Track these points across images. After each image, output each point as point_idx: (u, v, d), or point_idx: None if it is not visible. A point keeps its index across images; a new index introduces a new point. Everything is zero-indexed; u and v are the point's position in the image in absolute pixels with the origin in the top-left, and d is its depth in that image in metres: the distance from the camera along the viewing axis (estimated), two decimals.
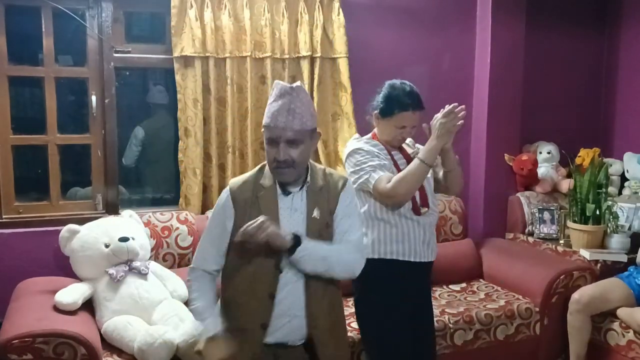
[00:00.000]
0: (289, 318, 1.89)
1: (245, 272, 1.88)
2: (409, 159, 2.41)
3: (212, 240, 1.95)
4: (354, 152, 2.38)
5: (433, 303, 2.61)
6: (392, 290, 2.34)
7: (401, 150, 2.46)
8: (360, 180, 2.32)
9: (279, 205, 1.90)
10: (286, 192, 1.91)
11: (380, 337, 2.38)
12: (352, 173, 2.35)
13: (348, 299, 3.13)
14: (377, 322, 2.38)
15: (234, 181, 1.97)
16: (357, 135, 2.54)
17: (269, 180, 1.91)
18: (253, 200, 1.89)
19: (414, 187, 2.28)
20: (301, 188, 1.92)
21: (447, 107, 2.24)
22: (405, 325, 2.36)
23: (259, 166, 1.99)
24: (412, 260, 2.37)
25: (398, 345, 2.35)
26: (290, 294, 1.88)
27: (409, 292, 2.38)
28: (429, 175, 2.39)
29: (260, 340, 1.88)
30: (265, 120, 1.88)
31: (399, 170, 2.33)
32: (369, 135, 2.47)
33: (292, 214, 1.90)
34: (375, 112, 2.40)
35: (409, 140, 2.50)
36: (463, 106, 2.23)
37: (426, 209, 2.40)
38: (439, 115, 2.25)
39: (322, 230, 1.92)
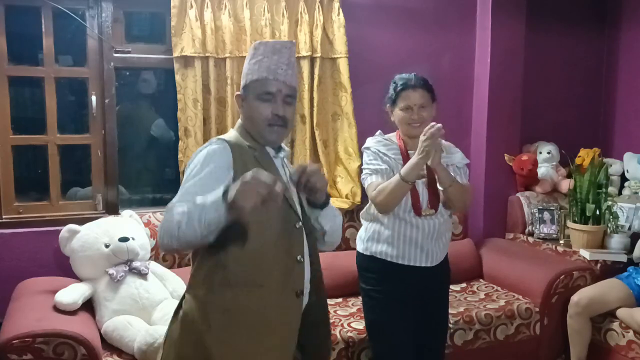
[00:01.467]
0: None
1: (265, 232, 1.64)
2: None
3: (206, 182, 1.59)
4: (364, 150, 2.45)
5: None
6: (388, 287, 2.36)
7: None
8: (363, 180, 2.42)
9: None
10: (275, 155, 1.80)
11: (377, 331, 2.41)
12: (362, 170, 2.44)
13: (348, 299, 3.14)
14: (375, 314, 2.41)
15: (230, 139, 1.72)
16: (379, 131, 2.51)
17: (256, 143, 1.75)
18: (251, 160, 1.69)
19: (391, 201, 2.28)
20: (280, 152, 1.81)
21: (429, 130, 2.17)
22: (402, 325, 2.36)
23: (236, 129, 1.80)
24: (400, 263, 2.36)
25: (394, 343, 2.35)
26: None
27: (405, 293, 2.36)
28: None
29: (299, 314, 1.71)
30: (258, 73, 1.74)
31: None
32: (393, 133, 2.47)
33: (282, 173, 1.78)
34: (387, 105, 2.41)
35: (445, 143, 2.39)
36: (440, 125, 2.16)
37: (433, 210, 2.35)
38: (421, 136, 2.20)
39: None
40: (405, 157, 2.36)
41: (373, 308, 2.41)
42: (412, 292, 2.37)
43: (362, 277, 2.46)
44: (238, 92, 1.82)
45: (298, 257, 1.71)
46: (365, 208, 2.48)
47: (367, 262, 2.43)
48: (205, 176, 1.61)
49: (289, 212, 1.71)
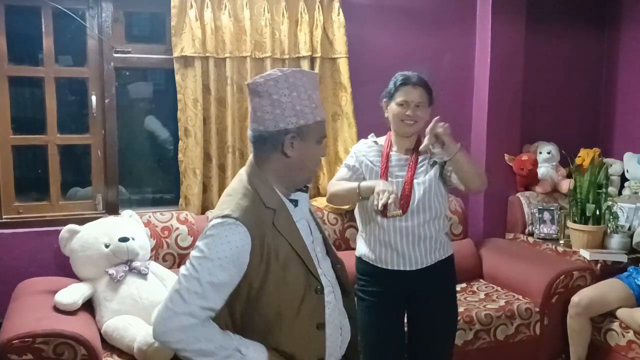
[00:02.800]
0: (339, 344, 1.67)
1: (283, 301, 1.54)
2: (413, 169, 2.32)
3: (225, 269, 1.46)
4: (354, 148, 2.47)
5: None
6: (373, 290, 2.33)
7: (415, 155, 2.35)
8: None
9: (295, 220, 1.62)
10: (295, 203, 1.64)
11: (363, 334, 2.30)
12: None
13: None
14: (363, 316, 2.31)
15: (242, 213, 1.50)
16: (372, 134, 2.49)
17: (275, 198, 1.58)
18: (271, 230, 1.54)
19: (337, 200, 2.37)
20: (304, 190, 1.69)
21: (380, 193, 2.09)
22: (387, 329, 2.33)
23: (245, 186, 1.58)
24: (379, 266, 2.33)
25: (378, 351, 2.32)
26: (332, 313, 1.64)
27: (390, 297, 2.32)
28: (421, 182, 2.31)
29: None
30: (320, 114, 1.59)
31: (383, 176, 2.31)
32: (384, 136, 2.44)
33: (305, 223, 1.67)
34: (384, 99, 2.38)
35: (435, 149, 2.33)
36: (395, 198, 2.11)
37: (399, 212, 2.24)
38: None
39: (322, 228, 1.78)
40: (385, 160, 2.34)
41: (361, 310, 2.33)
42: (397, 297, 2.33)
43: (356, 278, 2.42)
44: (292, 135, 1.54)
45: (317, 324, 1.59)
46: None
47: (356, 264, 2.44)
48: (225, 261, 1.46)
49: (308, 277, 1.58)
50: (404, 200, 2.28)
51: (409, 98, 2.29)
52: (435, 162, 2.34)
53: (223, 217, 1.49)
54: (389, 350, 2.34)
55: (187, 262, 1.51)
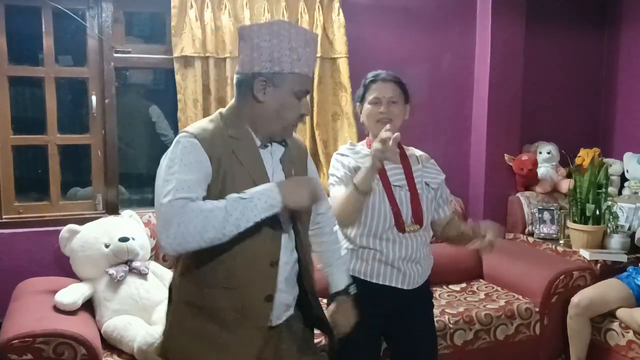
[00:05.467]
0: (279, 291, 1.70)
1: (242, 235, 1.55)
2: (409, 175, 2.20)
3: (192, 170, 1.53)
4: (334, 157, 2.26)
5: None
6: (359, 307, 2.04)
7: (403, 161, 2.22)
8: (329, 189, 2.22)
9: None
10: (264, 145, 1.67)
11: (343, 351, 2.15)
12: (329, 176, 2.25)
13: None
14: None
15: (199, 132, 1.58)
16: (351, 142, 2.38)
17: (242, 132, 1.63)
18: (228, 155, 1.59)
19: (348, 213, 2.05)
20: (284, 144, 1.72)
21: (383, 134, 1.94)
22: (366, 348, 2.19)
23: (216, 115, 1.67)
24: (371, 281, 2.17)
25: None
26: (286, 256, 1.69)
27: (375, 316, 2.13)
28: (424, 188, 2.22)
29: (267, 317, 1.67)
30: (299, 67, 1.60)
31: (384, 185, 2.15)
32: (363, 141, 2.30)
33: (274, 171, 1.69)
34: (357, 103, 2.26)
35: (420, 153, 2.31)
36: (394, 134, 1.93)
37: (417, 226, 2.16)
38: (374, 142, 2.01)
39: None
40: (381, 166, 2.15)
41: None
42: (382, 318, 2.18)
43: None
44: (262, 80, 1.59)
45: (271, 262, 1.64)
46: None
47: None
48: (190, 165, 1.53)
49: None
50: (417, 211, 2.17)
51: (380, 94, 2.15)
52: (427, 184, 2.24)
53: (181, 133, 1.61)
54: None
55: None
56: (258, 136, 1.66)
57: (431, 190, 2.25)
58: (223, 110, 1.70)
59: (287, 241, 1.71)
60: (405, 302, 2.20)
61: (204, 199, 1.54)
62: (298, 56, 1.59)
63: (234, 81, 1.68)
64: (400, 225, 2.14)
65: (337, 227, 2.05)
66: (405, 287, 2.18)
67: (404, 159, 2.22)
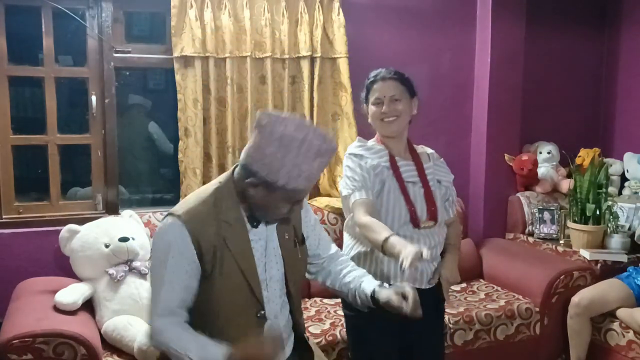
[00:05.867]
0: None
1: (225, 318, 1.63)
2: (421, 171, 2.18)
3: (179, 275, 1.56)
4: (347, 157, 2.20)
5: None
6: (374, 316, 2.03)
7: (415, 158, 2.22)
8: (344, 193, 2.17)
9: (250, 239, 1.67)
10: (255, 224, 1.68)
11: (355, 347, 2.24)
12: (344, 177, 2.19)
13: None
14: (355, 331, 2.23)
15: (189, 217, 1.57)
16: (360, 138, 2.30)
17: (234, 214, 1.62)
18: (219, 242, 1.59)
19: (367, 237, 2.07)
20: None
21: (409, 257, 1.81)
22: (381, 345, 2.15)
23: (209, 197, 1.63)
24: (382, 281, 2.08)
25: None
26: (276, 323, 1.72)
27: (395, 322, 2.00)
28: (436, 184, 2.21)
29: None
30: (296, 182, 1.55)
31: (398, 181, 2.13)
32: (374, 138, 2.26)
33: (263, 244, 1.70)
34: (363, 105, 2.24)
35: (431, 151, 2.31)
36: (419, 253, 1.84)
37: (432, 222, 2.15)
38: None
39: (295, 249, 1.78)
40: (394, 163, 2.16)
41: (350, 328, 2.23)
42: (398, 327, 2.08)
43: (343, 300, 2.15)
44: (254, 181, 1.57)
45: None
46: (349, 219, 2.21)
47: None
48: (171, 272, 1.56)
49: (251, 299, 1.64)
50: (431, 207, 2.14)
51: (381, 93, 2.14)
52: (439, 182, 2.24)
53: (169, 214, 1.62)
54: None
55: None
56: (250, 214, 1.66)
57: (442, 188, 2.25)
58: (222, 180, 1.67)
59: (278, 309, 1.74)
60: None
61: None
62: (299, 172, 1.53)
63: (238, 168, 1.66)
64: (415, 221, 2.12)
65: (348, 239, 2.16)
66: (421, 287, 2.13)
67: (415, 156, 2.23)
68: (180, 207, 1.62)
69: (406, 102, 2.16)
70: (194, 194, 1.68)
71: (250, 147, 1.57)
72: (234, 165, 1.69)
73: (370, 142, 2.24)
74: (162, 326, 1.56)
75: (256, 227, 1.67)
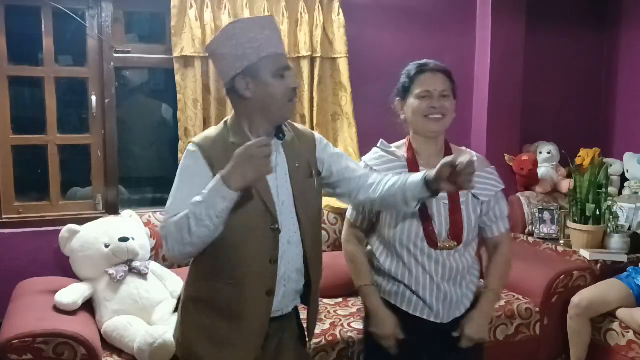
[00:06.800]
0: (284, 282, 1.73)
1: (241, 232, 1.65)
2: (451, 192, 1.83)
3: (190, 185, 1.63)
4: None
5: None
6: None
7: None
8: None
9: None
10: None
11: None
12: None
13: (348, 299, 3.14)
14: (369, 349, 2.05)
15: (202, 140, 1.69)
16: (381, 141, 2.05)
17: (241, 136, 1.67)
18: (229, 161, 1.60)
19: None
20: (280, 137, 1.73)
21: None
22: None
23: (222, 123, 1.75)
24: (400, 307, 1.91)
25: None
26: (286, 256, 1.71)
27: (407, 342, 1.89)
28: (471, 199, 1.91)
29: (269, 310, 1.70)
30: (266, 50, 1.63)
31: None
32: (402, 141, 2.01)
33: (278, 169, 1.71)
34: (397, 99, 1.97)
35: (475, 157, 1.80)
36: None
37: (454, 243, 1.86)
38: None
39: (308, 180, 1.77)
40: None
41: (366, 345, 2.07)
42: (412, 346, 1.90)
43: (364, 314, 2.02)
44: (240, 78, 1.65)
45: (271, 260, 1.68)
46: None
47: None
48: (189, 178, 1.66)
49: (265, 214, 1.67)
50: (456, 225, 1.86)
51: (431, 87, 1.86)
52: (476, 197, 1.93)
53: (190, 142, 1.72)
54: None
55: None
56: (262, 133, 1.69)
57: (480, 203, 1.93)
58: (228, 118, 1.77)
59: (292, 235, 1.73)
60: (442, 339, 1.90)
61: None
62: (259, 43, 1.63)
63: (226, 95, 1.77)
64: (432, 240, 1.85)
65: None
66: (437, 320, 1.88)
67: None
68: (198, 136, 1.75)
69: (452, 101, 1.92)
70: (208, 129, 1.81)
71: (220, 71, 1.73)
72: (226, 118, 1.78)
73: (393, 147, 2.01)
74: (165, 224, 1.63)
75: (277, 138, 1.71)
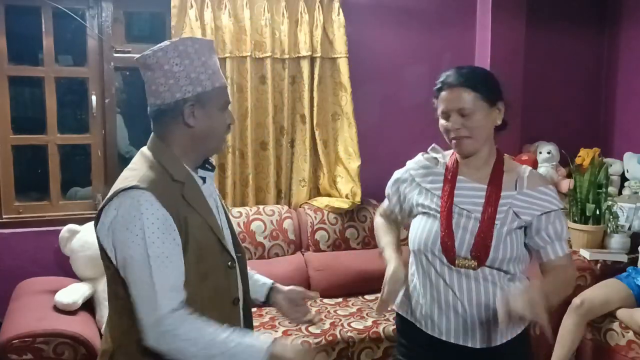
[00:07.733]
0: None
1: (205, 282, 1.50)
2: (492, 200, 1.69)
3: (177, 258, 1.44)
4: (404, 169, 1.91)
5: None
6: (404, 348, 1.83)
7: (493, 181, 1.75)
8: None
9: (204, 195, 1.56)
10: (203, 180, 1.57)
11: None
12: None
13: (348, 299, 3.14)
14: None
15: (149, 184, 1.44)
16: (433, 145, 1.94)
17: (181, 171, 1.50)
18: (181, 203, 1.47)
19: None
20: (209, 168, 1.61)
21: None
22: None
23: (146, 159, 1.52)
24: (420, 327, 1.76)
25: None
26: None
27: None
28: (509, 217, 1.70)
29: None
30: (219, 80, 1.52)
31: (444, 209, 1.71)
32: (450, 150, 1.86)
33: (214, 202, 1.59)
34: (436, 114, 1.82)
35: (527, 175, 1.78)
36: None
37: (474, 262, 1.65)
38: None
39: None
40: (449, 187, 1.75)
41: None
42: None
43: (397, 338, 1.92)
44: (191, 104, 1.47)
45: (234, 300, 1.57)
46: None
47: (397, 322, 1.90)
48: (164, 236, 1.43)
49: (222, 252, 1.54)
50: (480, 246, 1.65)
51: (447, 107, 1.72)
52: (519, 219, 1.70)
53: (129, 188, 1.45)
54: None
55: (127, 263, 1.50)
56: (189, 164, 1.54)
57: (520, 223, 1.70)
58: (145, 150, 1.54)
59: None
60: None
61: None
62: (212, 70, 1.50)
63: (150, 115, 1.53)
64: (448, 254, 1.68)
65: None
66: (462, 343, 1.70)
67: (495, 181, 1.75)
68: (133, 179, 1.48)
69: (483, 113, 1.75)
70: (132, 169, 1.53)
71: (159, 85, 1.49)
72: (150, 141, 1.56)
73: (444, 153, 1.89)
74: (175, 321, 1.40)
75: (204, 182, 1.57)
